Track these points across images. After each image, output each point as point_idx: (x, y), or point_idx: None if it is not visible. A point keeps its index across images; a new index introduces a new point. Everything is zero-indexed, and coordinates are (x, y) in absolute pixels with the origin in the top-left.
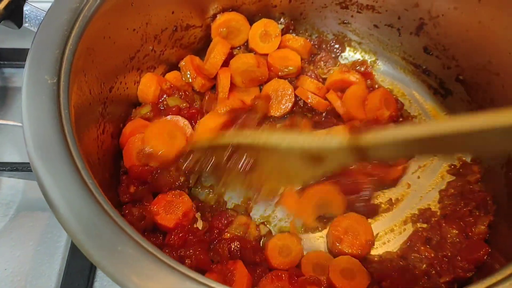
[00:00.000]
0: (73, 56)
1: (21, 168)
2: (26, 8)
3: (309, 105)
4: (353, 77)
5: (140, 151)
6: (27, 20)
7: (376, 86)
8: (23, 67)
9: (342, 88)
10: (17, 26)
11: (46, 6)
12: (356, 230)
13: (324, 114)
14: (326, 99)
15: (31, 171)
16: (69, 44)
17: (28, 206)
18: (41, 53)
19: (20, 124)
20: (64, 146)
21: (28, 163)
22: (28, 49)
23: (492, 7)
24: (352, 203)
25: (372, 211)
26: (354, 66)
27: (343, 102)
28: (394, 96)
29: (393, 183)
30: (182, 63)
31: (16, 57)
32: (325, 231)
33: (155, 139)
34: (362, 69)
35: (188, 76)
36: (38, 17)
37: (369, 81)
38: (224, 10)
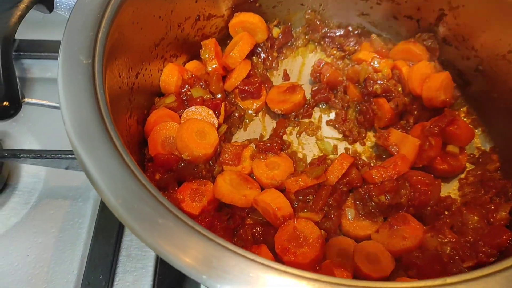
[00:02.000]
0: (106, 39)
1: (44, 156)
2: None
3: (373, 68)
4: (418, 49)
5: (166, 139)
6: (58, 4)
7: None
8: (41, 59)
9: (405, 59)
10: (48, 10)
11: None
12: None
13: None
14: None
15: (54, 158)
16: (102, 27)
17: (49, 194)
18: (76, 34)
19: (57, 104)
20: (102, 125)
21: (51, 150)
22: (46, 40)
23: None
24: None
25: None
26: (420, 39)
27: (408, 74)
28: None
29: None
30: (207, 41)
31: (34, 48)
32: None
33: (189, 143)
34: (429, 44)
35: (207, 56)
36: (69, 2)
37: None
38: (245, 0)
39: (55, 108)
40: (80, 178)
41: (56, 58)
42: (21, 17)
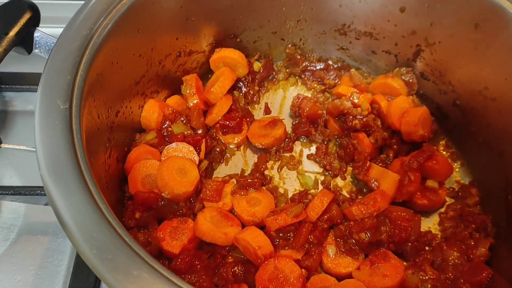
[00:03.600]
0: (84, 81)
1: (24, 192)
2: (36, 34)
3: (352, 103)
4: (396, 83)
5: (146, 177)
6: (37, 46)
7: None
8: (23, 91)
9: (383, 93)
10: (27, 52)
11: (56, 31)
12: None
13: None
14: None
15: (33, 194)
16: (80, 70)
17: (29, 230)
18: (53, 78)
19: (33, 149)
20: (77, 171)
21: (30, 186)
22: (28, 73)
23: (488, 34)
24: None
25: None
26: (399, 74)
27: (387, 109)
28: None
29: None
30: (188, 77)
31: (16, 81)
32: None
33: (170, 182)
34: (407, 78)
35: (188, 91)
36: (48, 43)
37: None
38: (226, 36)
39: (32, 152)
40: None
41: (36, 91)
42: (0, 60)
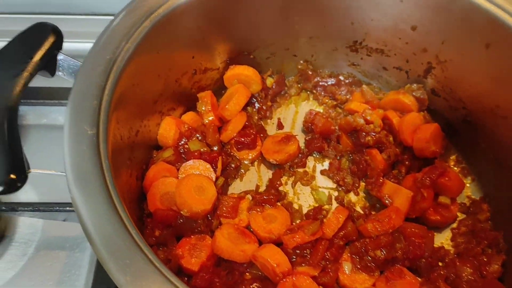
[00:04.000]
0: (109, 106)
1: (43, 209)
2: (59, 57)
3: (365, 119)
4: (408, 99)
5: (164, 194)
6: (60, 68)
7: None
8: (37, 105)
9: (394, 109)
10: (50, 75)
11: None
12: None
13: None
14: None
15: (52, 211)
16: (105, 94)
17: (47, 245)
18: (80, 104)
19: (62, 173)
20: (107, 195)
21: (49, 203)
22: (42, 87)
23: (500, 55)
24: None
25: None
26: (410, 90)
27: (399, 125)
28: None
29: None
30: (203, 94)
31: (30, 95)
32: None
33: (188, 200)
34: (418, 94)
35: (203, 109)
36: (71, 66)
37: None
38: (239, 53)
39: (61, 176)
40: (77, 229)
41: (50, 105)
42: (25, 85)
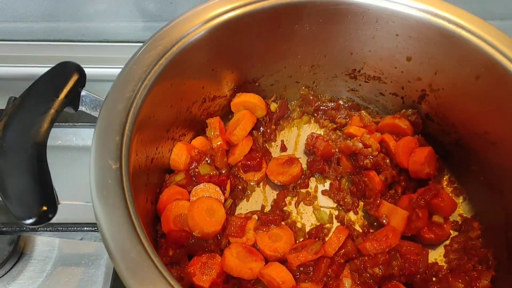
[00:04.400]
0: (130, 140)
1: (61, 229)
2: (82, 93)
3: (363, 143)
4: (403, 124)
5: (177, 216)
6: (83, 104)
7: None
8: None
9: (391, 132)
10: (74, 110)
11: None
12: None
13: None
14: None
15: (70, 231)
16: (126, 130)
17: (63, 262)
18: (104, 140)
19: (89, 203)
20: (132, 228)
21: (67, 223)
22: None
23: (489, 86)
24: None
25: None
26: (405, 115)
27: (395, 149)
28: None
29: None
30: (212, 120)
31: None
32: None
33: (200, 222)
34: (413, 119)
35: (212, 134)
36: (93, 101)
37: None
38: (246, 82)
39: (87, 206)
40: (92, 246)
41: (63, 127)
42: (53, 121)
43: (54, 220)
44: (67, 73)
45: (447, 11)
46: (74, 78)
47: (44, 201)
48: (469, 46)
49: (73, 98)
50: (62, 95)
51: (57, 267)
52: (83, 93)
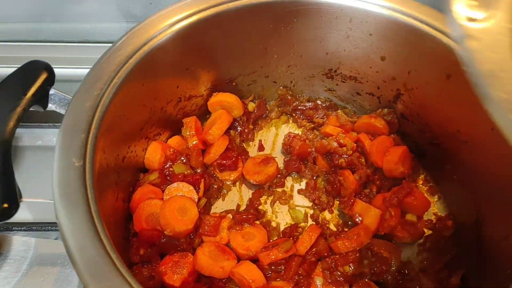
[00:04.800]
0: (96, 138)
1: (36, 228)
2: (51, 92)
3: (338, 143)
4: (379, 123)
5: (150, 215)
6: (52, 102)
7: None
8: (32, 127)
9: (367, 132)
10: (43, 108)
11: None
12: None
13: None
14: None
15: (45, 230)
16: (92, 128)
17: (39, 262)
18: (69, 137)
19: (51, 201)
20: (93, 227)
21: (42, 222)
22: (36, 110)
23: (459, 84)
24: None
25: None
26: (381, 114)
27: (370, 148)
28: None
29: None
30: (188, 119)
31: (25, 118)
32: None
33: (171, 221)
34: (388, 118)
35: (188, 133)
36: (62, 100)
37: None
38: (222, 81)
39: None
40: None
41: (44, 127)
42: (19, 120)
43: (29, 219)
44: (35, 72)
45: (415, 10)
46: (43, 76)
47: (6, 198)
48: (439, 45)
49: (42, 97)
50: (30, 94)
51: (33, 267)
52: (51, 91)
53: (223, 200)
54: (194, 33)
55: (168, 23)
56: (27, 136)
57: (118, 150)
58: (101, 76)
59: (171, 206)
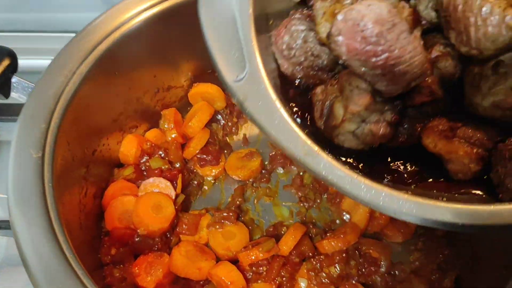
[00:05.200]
0: (58, 129)
1: (4, 226)
2: (13, 80)
3: None
4: None
5: (123, 213)
6: (14, 90)
7: None
8: (9, 121)
9: None
10: (4, 97)
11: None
12: None
13: None
14: None
15: None
16: (54, 117)
17: (10, 262)
18: (28, 127)
19: (4, 196)
20: (47, 222)
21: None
22: (14, 104)
23: None
24: None
25: None
26: None
27: None
28: None
29: None
30: (166, 111)
31: (2, 111)
32: None
33: (145, 219)
34: None
35: (166, 126)
36: (25, 88)
37: None
38: (203, 71)
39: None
40: None
41: (5, 121)
42: None
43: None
44: None
45: None
46: (5, 63)
47: None
48: None
49: (3, 84)
50: None
51: (4, 267)
52: (14, 79)
53: (204, 197)
54: (170, 19)
55: (141, 8)
56: (4, 130)
57: (87, 142)
58: (66, 64)
59: (145, 203)
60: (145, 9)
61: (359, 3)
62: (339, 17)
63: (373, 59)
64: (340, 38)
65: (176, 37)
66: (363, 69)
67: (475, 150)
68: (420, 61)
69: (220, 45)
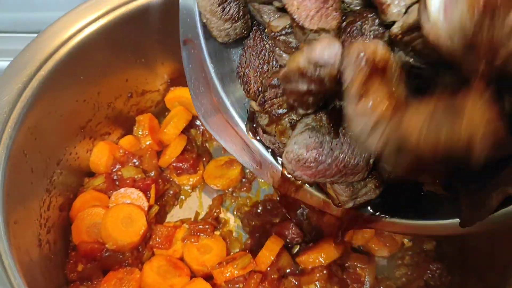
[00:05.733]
0: (12, 140)
1: None
2: None
3: None
4: None
5: (91, 226)
6: None
7: None
8: None
9: None
10: None
11: None
12: None
13: None
14: None
15: None
16: (8, 127)
17: None
18: None
19: None
20: None
21: None
22: None
23: None
24: None
25: None
26: None
27: None
28: None
29: None
30: (141, 117)
31: None
32: None
33: (113, 233)
34: None
35: (140, 133)
36: None
37: None
38: (180, 74)
39: None
40: None
41: None
42: None
43: None
44: None
45: None
46: None
47: None
48: None
49: None
50: None
51: None
52: None
53: (181, 207)
54: (140, 18)
55: (108, 7)
56: None
57: (50, 152)
58: (23, 68)
59: (114, 216)
60: (113, 9)
61: (288, 144)
62: (283, 160)
63: (328, 172)
64: (298, 173)
65: (149, 38)
66: (328, 180)
67: None
68: (361, 148)
69: None
